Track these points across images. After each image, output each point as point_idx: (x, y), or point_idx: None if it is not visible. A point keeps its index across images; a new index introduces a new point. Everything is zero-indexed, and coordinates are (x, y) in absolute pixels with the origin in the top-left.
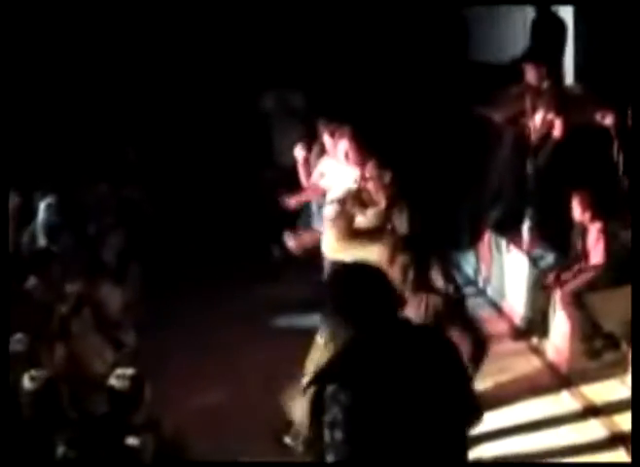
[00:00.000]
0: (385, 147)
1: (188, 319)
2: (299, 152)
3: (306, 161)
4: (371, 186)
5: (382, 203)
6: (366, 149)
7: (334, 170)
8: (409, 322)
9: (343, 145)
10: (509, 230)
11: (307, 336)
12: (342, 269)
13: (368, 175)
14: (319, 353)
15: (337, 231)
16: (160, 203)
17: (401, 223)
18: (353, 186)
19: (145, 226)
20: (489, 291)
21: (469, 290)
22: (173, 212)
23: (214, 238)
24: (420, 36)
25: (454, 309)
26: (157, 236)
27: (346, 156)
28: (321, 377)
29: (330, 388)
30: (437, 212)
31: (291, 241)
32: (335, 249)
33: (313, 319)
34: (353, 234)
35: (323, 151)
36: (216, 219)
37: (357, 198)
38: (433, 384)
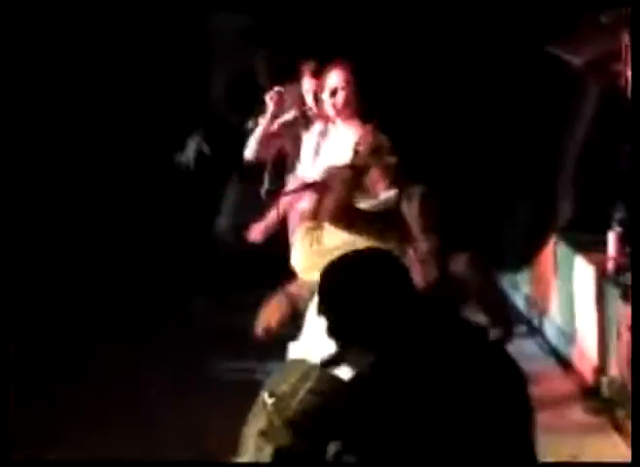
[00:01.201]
0: (395, 104)
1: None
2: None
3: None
4: (364, 161)
5: (382, 191)
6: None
7: (325, 144)
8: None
9: (335, 79)
10: (585, 238)
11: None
12: (343, 264)
13: (361, 146)
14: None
15: (315, 234)
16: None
17: (411, 222)
18: (342, 160)
19: None
20: (549, 332)
21: (517, 329)
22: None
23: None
24: None
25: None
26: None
27: (338, 103)
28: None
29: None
30: (472, 209)
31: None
32: (310, 265)
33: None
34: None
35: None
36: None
37: (350, 182)
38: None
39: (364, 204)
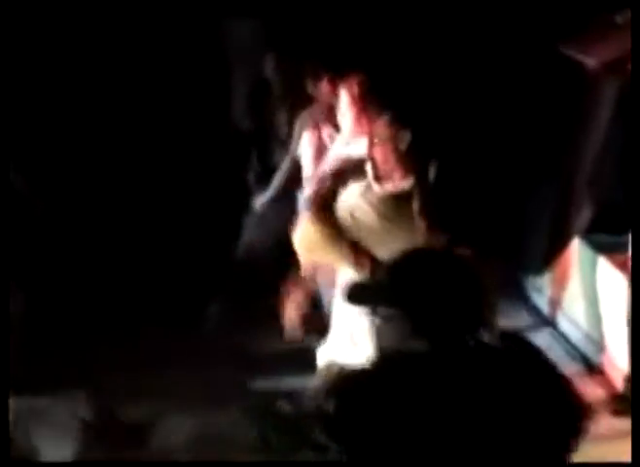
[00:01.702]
0: (409, 97)
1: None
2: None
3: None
4: (379, 153)
5: (396, 181)
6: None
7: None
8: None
9: (348, 95)
10: (608, 239)
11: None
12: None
13: (376, 138)
14: None
15: (321, 217)
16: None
17: (419, 215)
18: (354, 154)
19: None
20: (573, 336)
21: (542, 334)
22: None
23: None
24: None
25: None
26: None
27: (353, 114)
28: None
29: None
30: (488, 206)
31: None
32: (314, 246)
33: None
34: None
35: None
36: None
37: (357, 172)
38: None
39: (381, 191)
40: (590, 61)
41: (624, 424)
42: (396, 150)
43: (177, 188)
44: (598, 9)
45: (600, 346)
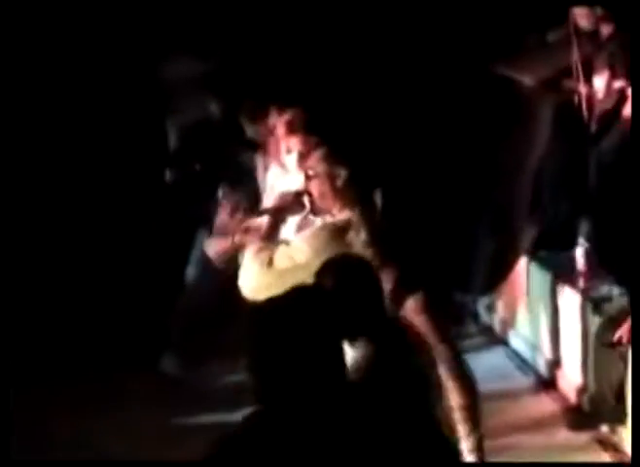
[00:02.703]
0: (344, 125)
1: None
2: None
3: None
4: (315, 188)
5: (335, 214)
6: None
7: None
8: None
9: (284, 129)
10: (553, 256)
11: None
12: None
13: (311, 171)
14: None
15: (264, 255)
16: None
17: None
18: (291, 189)
19: None
20: (525, 353)
21: (495, 352)
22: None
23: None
24: None
25: None
26: None
27: (301, 158)
28: None
29: None
30: (432, 229)
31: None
32: (259, 286)
33: None
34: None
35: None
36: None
37: (297, 206)
38: None
39: (318, 224)
40: (526, 80)
41: (582, 438)
42: (332, 185)
43: (120, 224)
44: (530, 28)
45: (553, 362)
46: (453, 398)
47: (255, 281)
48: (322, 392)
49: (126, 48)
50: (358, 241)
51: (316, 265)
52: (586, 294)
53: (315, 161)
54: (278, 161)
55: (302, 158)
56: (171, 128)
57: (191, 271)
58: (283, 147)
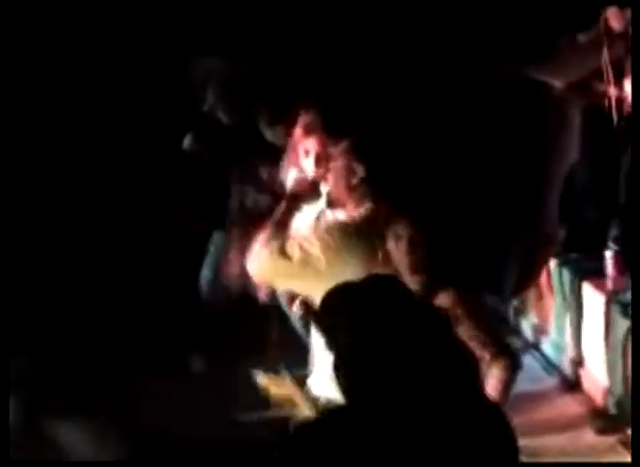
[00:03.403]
0: (369, 129)
1: None
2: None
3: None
4: (331, 180)
5: (349, 210)
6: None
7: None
8: None
9: (312, 145)
10: (582, 258)
11: None
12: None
13: (331, 162)
14: None
15: (275, 242)
16: None
17: (399, 262)
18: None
19: None
20: (555, 355)
21: (523, 354)
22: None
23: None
24: None
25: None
26: None
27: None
28: None
29: None
30: (462, 232)
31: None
32: (268, 272)
33: None
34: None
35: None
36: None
37: (313, 194)
38: None
39: (333, 221)
40: (557, 83)
41: (608, 441)
42: (348, 181)
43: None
44: (561, 29)
45: (580, 364)
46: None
47: (264, 267)
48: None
49: (144, 52)
50: (394, 255)
51: (325, 259)
52: (614, 297)
53: (336, 152)
54: (298, 166)
55: (319, 159)
56: (191, 133)
57: (206, 273)
58: (301, 150)
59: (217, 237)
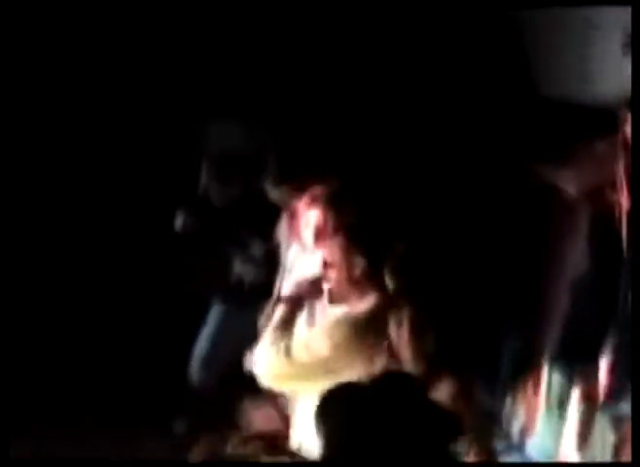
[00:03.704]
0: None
1: None
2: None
3: None
4: (333, 275)
5: (352, 303)
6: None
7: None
8: None
9: (314, 216)
10: (576, 366)
11: None
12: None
13: (329, 259)
14: None
15: (281, 344)
16: None
17: (401, 348)
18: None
19: None
20: (537, 457)
21: (512, 458)
22: None
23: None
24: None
25: None
26: None
27: (317, 235)
28: None
29: None
30: (459, 328)
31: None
32: (276, 375)
33: None
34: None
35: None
36: None
37: (315, 293)
38: None
39: (338, 316)
40: (570, 189)
41: None
42: (349, 274)
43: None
44: (579, 135)
45: None
46: None
47: (271, 370)
48: None
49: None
50: (395, 341)
51: (335, 358)
52: (603, 407)
53: (333, 248)
54: (299, 239)
55: (319, 233)
56: (182, 213)
57: (201, 344)
58: (304, 221)
59: (216, 311)
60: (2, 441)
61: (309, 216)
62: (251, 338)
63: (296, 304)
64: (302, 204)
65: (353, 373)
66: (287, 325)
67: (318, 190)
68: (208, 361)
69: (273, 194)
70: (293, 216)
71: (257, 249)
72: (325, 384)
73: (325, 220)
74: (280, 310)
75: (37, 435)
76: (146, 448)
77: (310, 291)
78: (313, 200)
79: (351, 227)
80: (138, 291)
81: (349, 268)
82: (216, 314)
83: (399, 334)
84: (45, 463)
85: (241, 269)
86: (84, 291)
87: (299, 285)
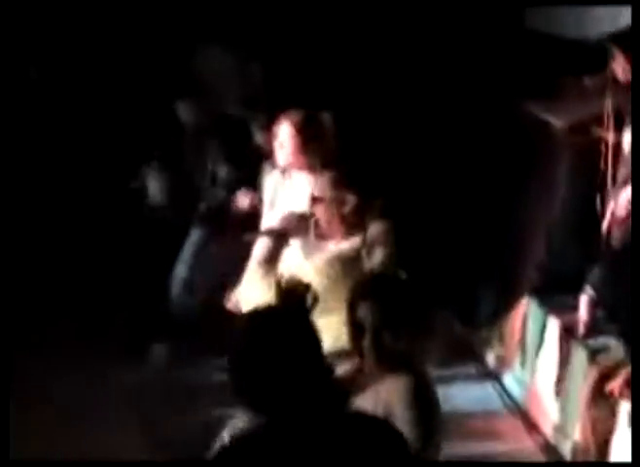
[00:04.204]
0: (363, 152)
1: None
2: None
3: None
4: (320, 212)
5: (339, 240)
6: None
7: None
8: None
9: (283, 132)
10: (555, 300)
11: None
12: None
13: (318, 195)
14: None
15: (269, 276)
16: None
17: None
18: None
19: None
20: (514, 390)
21: (484, 385)
22: None
23: None
24: None
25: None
26: None
27: (293, 146)
28: None
29: None
30: (439, 262)
31: None
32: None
33: None
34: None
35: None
36: None
37: (302, 228)
38: None
39: (330, 253)
40: (558, 122)
41: None
42: (339, 211)
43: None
44: (568, 71)
45: (540, 404)
46: None
47: (261, 295)
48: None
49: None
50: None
51: (326, 294)
52: (581, 342)
53: (323, 183)
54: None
55: (306, 160)
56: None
57: (180, 268)
58: (277, 143)
59: (195, 235)
60: (2, 441)
61: (280, 132)
62: (230, 266)
63: (282, 239)
64: (276, 124)
65: (342, 309)
66: (273, 260)
67: (296, 118)
68: (187, 283)
69: (259, 137)
70: (271, 139)
71: (226, 173)
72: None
73: (294, 136)
74: (265, 244)
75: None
76: (126, 373)
77: (297, 226)
78: (285, 118)
79: (342, 162)
80: (117, 215)
81: (338, 204)
82: (195, 239)
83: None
84: (45, 463)
85: (211, 192)
86: (67, 219)
87: (285, 220)
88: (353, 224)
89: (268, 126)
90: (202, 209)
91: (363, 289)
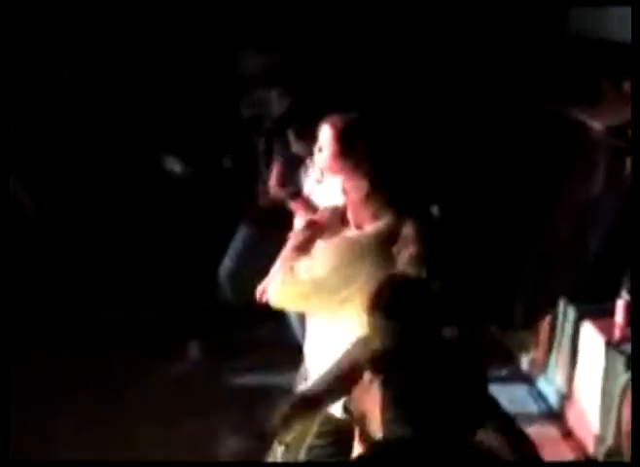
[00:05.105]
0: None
1: None
2: None
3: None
4: (348, 202)
5: (365, 227)
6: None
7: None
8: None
9: (325, 136)
10: (591, 304)
11: None
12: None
13: (345, 187)
14: None
15: (289, 264)
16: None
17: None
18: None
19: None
20: (550, 396)
21: (518, 389)
22: None
23: None
24: None
25: None
26: None
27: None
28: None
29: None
30: (476, 264)
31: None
32: (280, 296)
33: None
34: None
35: None
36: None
37: (338, 221)
38: None
39: (338, 238)
40: (596, 125)
41: None
42: (359, 198)
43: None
44: (609, 74)
45: (575, 409)
46: None
47: (276, 290)
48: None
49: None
50: (393, 257)
51: (335, 279)
52: (617, 347)
53: (351, 175)
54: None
55: (341, 165)
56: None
57: (227, 263)
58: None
59: (243, 232)
60: (2, 441)
61: (320, 135)
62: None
63: (316, 231)
64: (317, 128)
65: (352, 293)
66: (302, 250)
67: (346, 119)
68: (232, 278)
69: (295, 146)
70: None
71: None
72: (327, 305)
73: (333, 140)
74: (298, 236)
75: (54, 358)
76: (163, 370)
77: (333, 219)
78: (327, 122)
79: (373, 169)
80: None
81: (358, 190)
82: (243, 236)
83: (405, 245)
84: (45, 463)
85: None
86: (113, 213)
87: (322, 214)
88: (373, 210)
89: (305, 133)
90: (253, 207)
91: (381, 294)
